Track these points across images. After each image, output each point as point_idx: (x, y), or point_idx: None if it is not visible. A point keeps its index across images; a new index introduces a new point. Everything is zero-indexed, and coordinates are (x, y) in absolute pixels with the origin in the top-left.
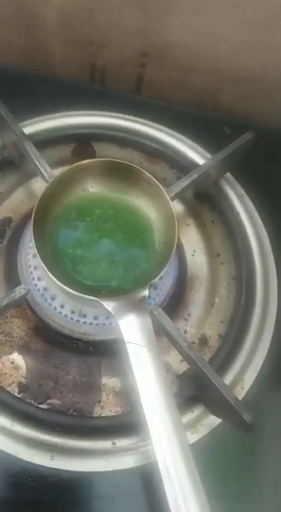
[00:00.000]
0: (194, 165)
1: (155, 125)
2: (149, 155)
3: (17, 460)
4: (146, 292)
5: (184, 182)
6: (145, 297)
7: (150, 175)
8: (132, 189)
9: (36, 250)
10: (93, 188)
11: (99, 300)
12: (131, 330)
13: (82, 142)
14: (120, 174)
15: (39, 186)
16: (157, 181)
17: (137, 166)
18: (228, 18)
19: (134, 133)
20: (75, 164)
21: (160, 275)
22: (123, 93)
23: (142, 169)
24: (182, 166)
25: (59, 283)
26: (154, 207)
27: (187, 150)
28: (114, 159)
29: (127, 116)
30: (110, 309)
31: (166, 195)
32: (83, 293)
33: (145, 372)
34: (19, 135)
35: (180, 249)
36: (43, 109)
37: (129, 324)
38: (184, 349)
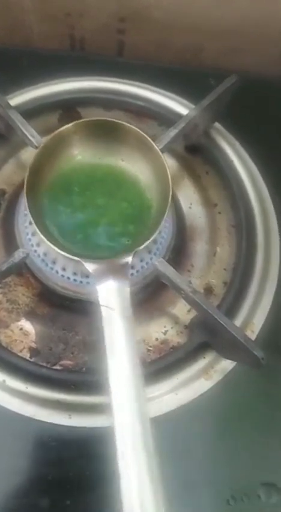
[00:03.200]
0: (178, 116)
1: (139, 83)
2: (136, 114)
3: (35, 422)
4: (129, 259)
5: (172, 132)
6: (127, 263)
7: (136, 129)
8: (121, 147)
9: (30, 216)
10: (81, 152)
11: (81, 261)
12: (108, 294)
13: (67, 108)
14: (107, 133)
15: (29, 155)
16: (143, 134)
17: (122, 122)
18: None
19: (118, 94)
20: (62, 128)
21: (146, 243)
22: (104, 57)
23: (127, 124)
24: (170, 120)
25: (47, 242)
26: (145, 164)
27: (173, 104)
28: (99, 118)
29: (110, 78)
30: (91, 270)
31: (155, 146)
32: (68, 253)
33: (115, 337)
34: (4, 106)
35: (176, 202)
36: (26, 82)
37: (107, 288)
38: (189, 295)
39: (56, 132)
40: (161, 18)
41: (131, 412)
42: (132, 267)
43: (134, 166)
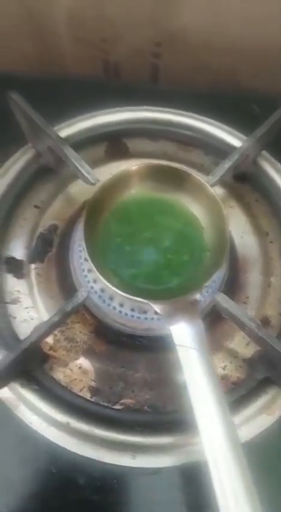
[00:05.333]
0: (230, 148)
1: (184, 112)
2: (183, 144)
3: (99, 463)
4: (197, 296)
5: (226, 165)
6: (196, 300)
7: (194, 174)
8: (177, 189)
9: (88, 255)
10: (139, 191)
11: (149, 303)
12: (182, 333)
13: (114, 140)
14: (165, 176)
15: (78, 189)
16: (201, 179)
17: (181, 167)
18: None
19: (164, 124)
20: (122, 170)
21: (212, 278)
22: (140, 84)
23: (186, 170)
24: (217, 150)
25: (111, 286)
26: (200, 207)
27: (220, 133)
28: (160, 163)
29: (154, 107)
30: (160, 312)
31: (212, 191)
32: (134, 295)
33: (196, 375)
34: (56, 140)
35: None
36: (64, 111)
37: (180, 327)
38: (253, 330)
39: (117, 173)
40: (196, 40)
41: (224, 450)
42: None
43: (191, 208)
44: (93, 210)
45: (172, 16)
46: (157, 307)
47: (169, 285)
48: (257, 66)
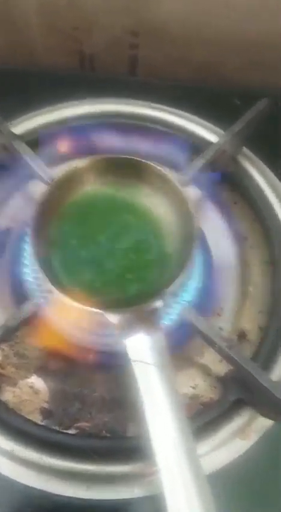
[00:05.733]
0: (207, 144)
1: (158, 105)
2: (156, 140)
3: (47, 494)
4: (158, 304)
5: (199, 162)
6: (156, 309)
7: (156, 166)
8: (139, 184)
9: (37, 264)
10: (95, 189)
11: (102, 313)
12: (139, 347)
13: (78, 135)
14: (124, 169)
15: (38, 188)
16: (164, 171)
17: (140, 159)
18: None
19: (135, 118)
20: (73, 166)
21: (175, 283)
22: (116, 76)
23: (146, 161)
24: (194, 147)
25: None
26: (163, 202)
27: (197, 128)
28: (114, 155)
29: (124, 99)
30: (115, 322)
31: (179, 187)
32: (87, 305)
33: (155, 396)
34: (8, 136)
35: (202, 237)
36: (31, 105)
37: (137, 340)
38: (224, 349)
39: (68, 170)
40: (178, 31)
41: (184, 477)
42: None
43: (154, 204)
44: (44, 210)
45: (150, 3)
46: (111, 318)
47: (127, 292)
48: (242, 59)
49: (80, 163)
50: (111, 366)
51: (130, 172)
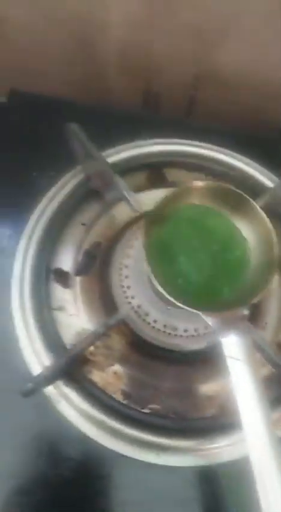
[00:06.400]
0: (260, 187)
1: (218, 147)
2: (215, 177)
3: (126, 458)
4: (246, 311)
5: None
6: (244, 315)
7: (247, 196)
8: (229, 209)
9: (149, 267)
10: (188, 210)
11: (200, 314)
12: (231, 345)
13: (154, 169)
14: (219, 196)
15: (120, 211)
16: (253, 201)
17: (243, 193)
18: None
19: (201, 158)
20: (185, 186)
21: (261, 294)
22: (176, 117)
23: (239, 191)
24: (249, 188)
25: (168, 296)
26: (249, 227)
27: (253, 172)
28: (225, 185)
29: (191, 142)
30: (210, 323)
31: (262, 212)
32: (187, 305)
33: (244, 385)
34: (106, 168)
35: None
36: (104, 139)
37: (230, 339)
38: (272, 356)
39: (176, 189)
40: (233, 75)
41: (267, 453)
42: None
43: (240, 226)
44: (151, 223)
45: (215, 53)
46: (207, 319)
47: (218, 297)
48: None
49: (185, 185)
50: (179, 362)
51: (224, 198)
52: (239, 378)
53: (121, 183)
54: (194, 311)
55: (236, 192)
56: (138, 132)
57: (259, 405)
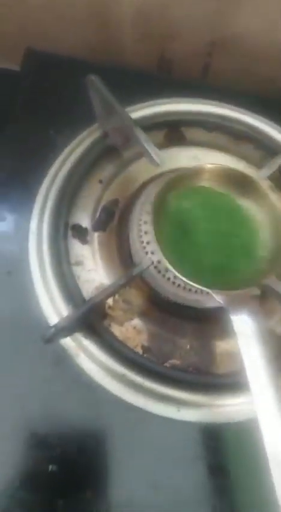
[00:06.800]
0: (279, 145)
1: (238, 108)
2: (234, 137)
3: (146, 413)
4: (257, 291)
5: (275, 165)
6: (256, 296)
7: (260, 182)
8: (241, 193)
9: (154, 236)
10: (204, 184)
11: (211, 292)
12: (242, 322)
13: (172, 127)
14: (233, 178)
15: (138, 169)
16: (265, 186)
17: (252, 176)
18: None
19: (221, 118)
20: (197, 165)
21: (269, 275)
22: (190, 80)
23: (255, 179)
24: (268, 147)
25: (175, 271)
26: (261, 210)
27: (271, 130)
28: (232, 167)
29: (211, 101)
30: (221, 301)
31: (276, 200)
32: (197, 283)
33: (255, 362)
34: (127, 121)
35: None
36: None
37: (241, 319)
38: None
39: (194, 165)
40: (249, 45)
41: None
42: None
43: (252, 209)
44: (166, 189)
45: (231, 19)
46: (218, 297)
47: (228, 276)
48: None
49: (203, 164)
50: (198, 319)
51: (238, 181)
52: (249, 355)
53: (143, 136)
54: (205, 289)
55: (245, 175)
56: (155, 93)
57: (270, 384)
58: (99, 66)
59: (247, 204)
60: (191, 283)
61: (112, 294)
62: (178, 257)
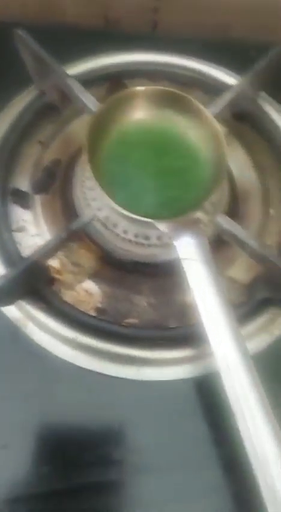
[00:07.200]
0: (228, 87)
1: (182, 55)
2: (181, 84)
3: (104, 377)
4: (198, 214)
5: (223, 100)
6: (199, 218)
7: (194, 100)
8: (178, 114)
9: (98, 183)
10: (136, 116)
11: (154, 222)
12: (187, 248)
13: (114, 80)
14: (165, 100)
15: (80, 127)
16: (199, 104)
17: (176, 90)
18: None
19: (164, 65)
20: (120, 93)
21: (211, 196)
22: (140, 33)
23: (180, 93)
24: (217, 90)
25: (118, 207)
26: (200, 131)
27: (218, 73)
28: (155, 87)
29: (152, 51)
30: (165, 230)
31: (211, 116)
32: (139, 215)
33: (203, 287)
34: (62, 75)
35: (227, 168)
36: (64, 58)
37: (185, 242)
38: (254, 249)
39: (120, 93)
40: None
41: (233, 352)
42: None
43: (189, 130)
44: (94, 136)
45: None
46: (161, 226)
47: (170, 205)
48: (249, 23)
49: (131, 89)
50: (154, 274)
51: (170, 102)
52: (197, 280)
53: (79, 89)
54: (146, 220)
55: (180, 95)
56: (103, 50)
57: (221, 309)
58: (38, 27)
59: (184, 125)
60: (132, 215)
61: (53, 252)
62: (122, 196)
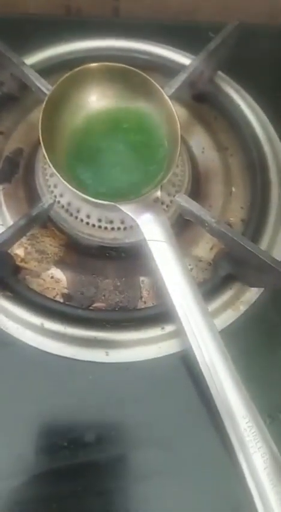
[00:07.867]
0: (181, 67)
1: (141, 39)
2: (141, 68)
3: (73, 362)
4: (158, 194)
5: (178, 81)
6: (158, 197)
7: (144, 74)
8: (134, 94)
9: (51, 166)
10: (91, 97)
11: (116, 204)
12: (151, 228)
13: (75, 67)
14: (115, 79)
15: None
16: (151, 79)
17: (129, 67)
18: None
19: (122, 50)
20: (70, 72)
21: (169, 176)
22: (101, 19)
23: (134, 69)
24: (175, 72)
25: (78, 192)
26: (156, 111)
27: (177, 56)
28: (105, 63)
29: (112, 36)
30: (127, 212)
31: (164, 94)
32: (101, 199)
33: (169, 266)
34: (18, 64)
35: (189, 148)
36: (28, 47)
37: (148, 223)
38: (214, 226)
39: (65, 76)
40: None
41: (202, 328)
42: (162, 203)
43: (144, 111)
44: (50, 122)
45: None
46: (123, 207)
47: (132, 186)
48: (215, 5)
49: (84, 66)
50: (119, 258)
51: (120, 81)
52: (163, 259)
53: (35, 76)
54: (106, 203)
55: (133, 71)
56: (63, 39)
57: (187, 286)
58: (5, 20)
59: (140, 107)
60: (93, 199)
61: (14, 240)
62: (80, 180)
